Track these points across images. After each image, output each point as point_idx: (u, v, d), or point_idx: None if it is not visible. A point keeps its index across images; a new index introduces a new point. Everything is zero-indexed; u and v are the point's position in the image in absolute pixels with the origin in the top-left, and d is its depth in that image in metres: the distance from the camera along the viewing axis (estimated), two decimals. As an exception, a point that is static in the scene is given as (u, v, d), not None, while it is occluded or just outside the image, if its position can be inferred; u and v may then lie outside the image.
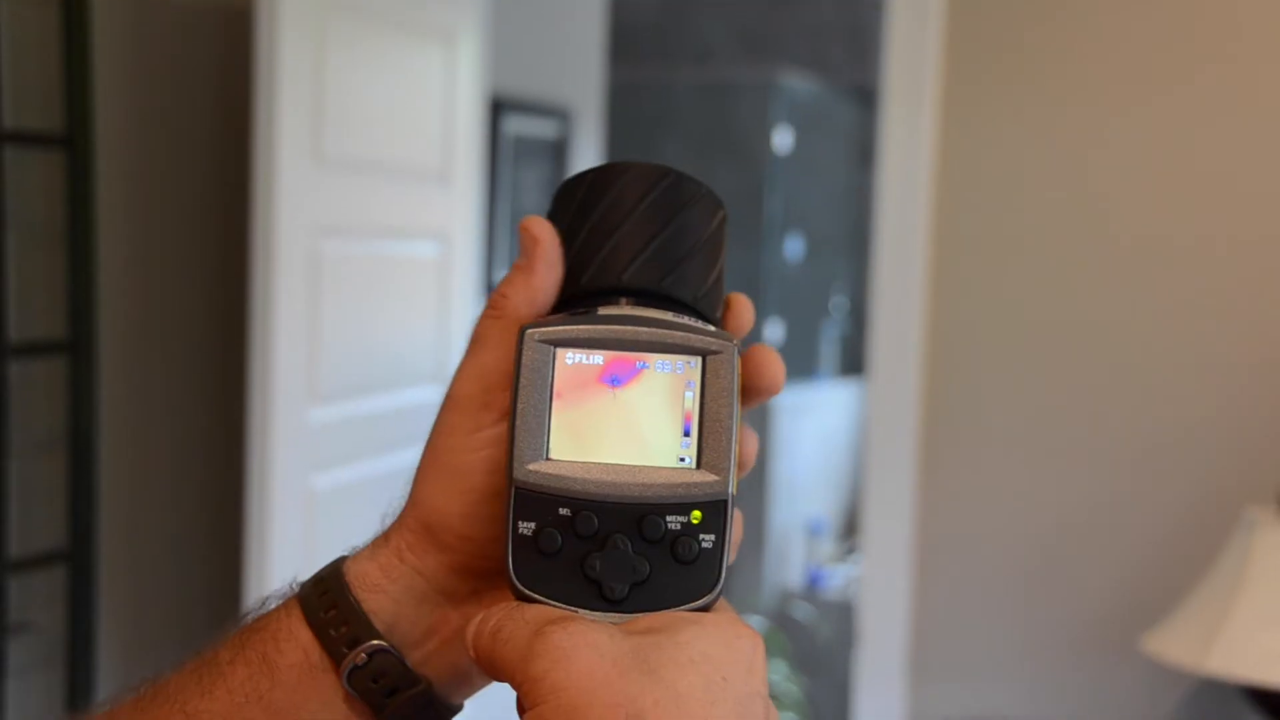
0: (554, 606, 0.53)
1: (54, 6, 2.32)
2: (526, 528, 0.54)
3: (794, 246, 6.12)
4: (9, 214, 2.29)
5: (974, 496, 2.79)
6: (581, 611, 0.53)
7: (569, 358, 0.55)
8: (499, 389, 0.58)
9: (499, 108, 3.63)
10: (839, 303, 6.39)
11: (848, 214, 6.27)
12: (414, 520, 0.60)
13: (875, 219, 2.83)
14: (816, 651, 5.15)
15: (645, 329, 0.55)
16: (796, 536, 5.75)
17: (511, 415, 0.54)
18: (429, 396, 2.69)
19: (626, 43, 5.68)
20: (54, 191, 2.37)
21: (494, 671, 0.52)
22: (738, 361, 0.55)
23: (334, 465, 2.66)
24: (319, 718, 0.59)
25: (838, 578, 5.65)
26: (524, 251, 0.60)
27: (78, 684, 2.38)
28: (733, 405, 0.55)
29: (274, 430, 2.49)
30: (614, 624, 0.52)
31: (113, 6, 2.51)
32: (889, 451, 2.85)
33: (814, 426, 5.87)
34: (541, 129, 3.96)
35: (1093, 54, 2.61)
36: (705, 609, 0.54)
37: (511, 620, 0.52)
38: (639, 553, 0.53)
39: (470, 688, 0.63)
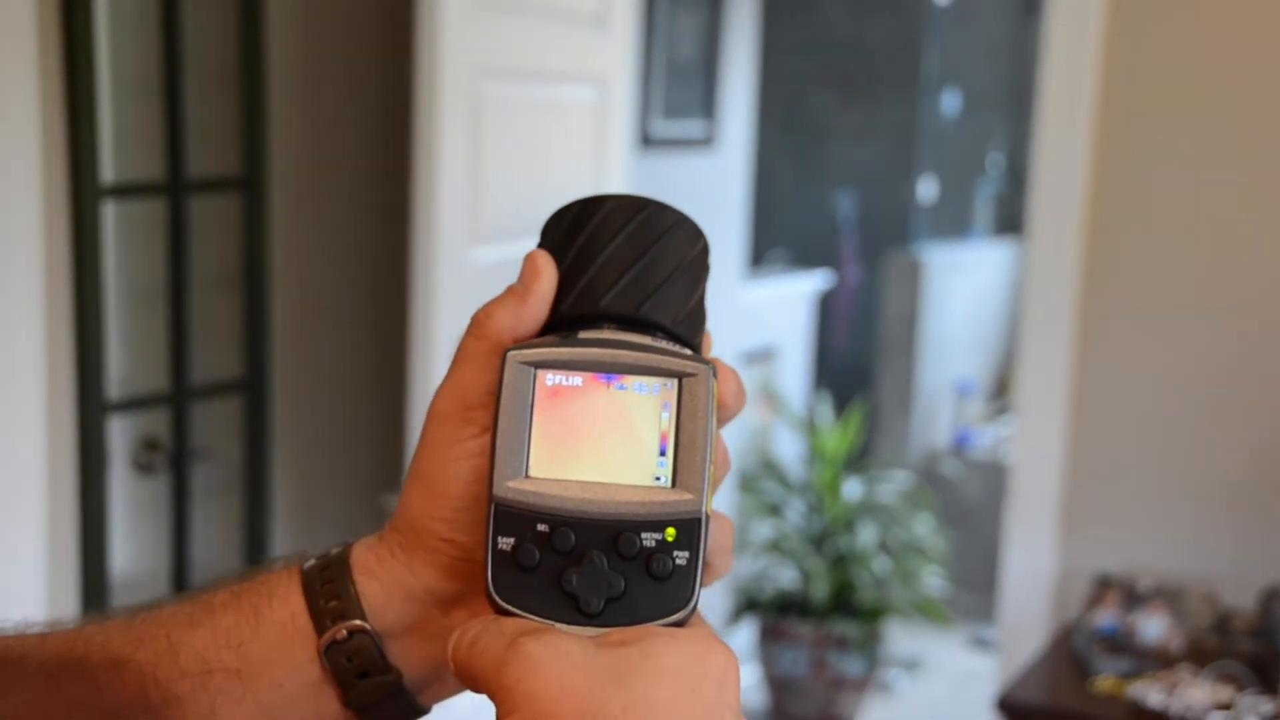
0: (531, 620, 0.54)
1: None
2: (505, 543, 0.55)
3: (950, 102, 5.99)
4: (185, 56, 2.36)
5: (1130, 356, 2.76)
6: (558, 625, 0.54)
7: (549, 379, 0.56)
8: (478, 407, 0.60)
9: (657, -47, 3.60)
10: (995, 160, 6.25)
11: (1009, 68, 6.09)
12: (401, 523, 0.62)
13: (1039, 73, 2.76)
14: (963, 508, 5.16)
15: (624, 352, 0.56)
16: (945, 396, 5.72)
17: (493, 434, 0.56)
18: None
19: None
20: (229, 33, 2.43)
21: (470, 682, 0.54)
22: (714, 384, 0.56)
23: (494, 306, 2.71)
24: (287, 681, 0.62)
25: (986, 438, 5.62)
26: (522, 280, 0.61)
27: (255, 507, 2.50)
28: (708, 426, 0.56)
29: (437, 269, 2.55)
30: (588, 637, 0.53)
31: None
32: (1046, 311, 2.82)
33: (965, 286, 5.79)
34: (698, -25, 3.92)
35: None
36: (680, 624, 0.55)
37: (488, 631, 0.54)
38: (614, 568, 0.55)
39: (442, 691, 0.65)
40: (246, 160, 2.42)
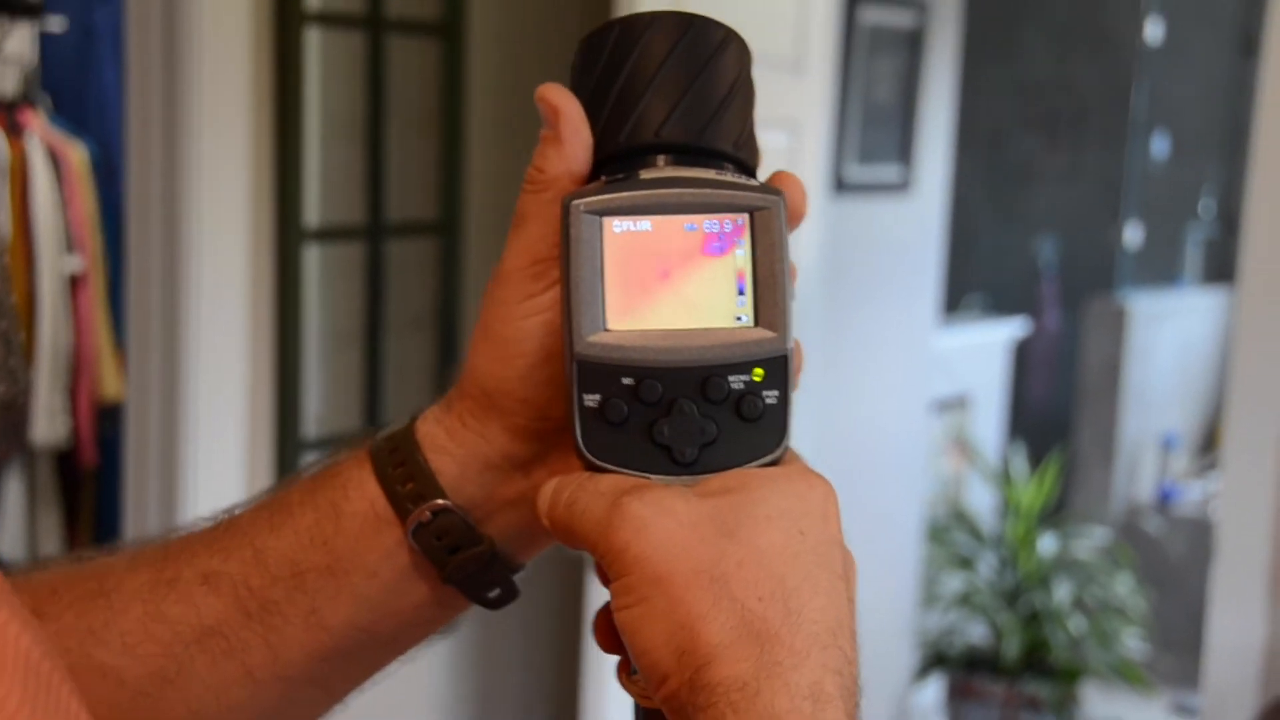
0: (626, 474, 0.53)
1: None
2: (592, 400, 0.54)
3: (1160, 145, 5.81)
4: (391, 102, 2.42)
5: (1355, 411, 2.61)
6: (653, 477, 0.53)
7: (617, 225, 0.54)
8: (546, 260, 0.58)
9: (855, -3, 3.57)
10: (1206, 205, 6.03)
11: (1221, 110, 5.88)
12: (472, 387, 0.60)
13: (1255, 115, 2.65)
14: (1167, 567, 4.96)
15: (690, 190, 0.54)
16: (1149, 449, 5.52)
17: (565, 289, 0.54)
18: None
19: (988, -70, 5.47)
20: (431, 78, 2.48)
21: (572, 542, 0.53)
22: (784, 213, 0.54)
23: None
24: (380, 568, 0.61)
25: (1192, 493, 5.40)
26: (547, 122, 0.58)
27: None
28: (784, 260, 0.54)
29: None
30: (687, 486, 0.52)
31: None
32: (1258, 361, 2.70)
33: (1173, 335, 5.59)
34: (898, 19, 3.87)
35: None
36: (774, 464, 0.54)
37: (585, 492, 0.53)
38: (705, 414, 0.53)
39: (535, 548, 0.63)
40: (444, 205, 2.47)
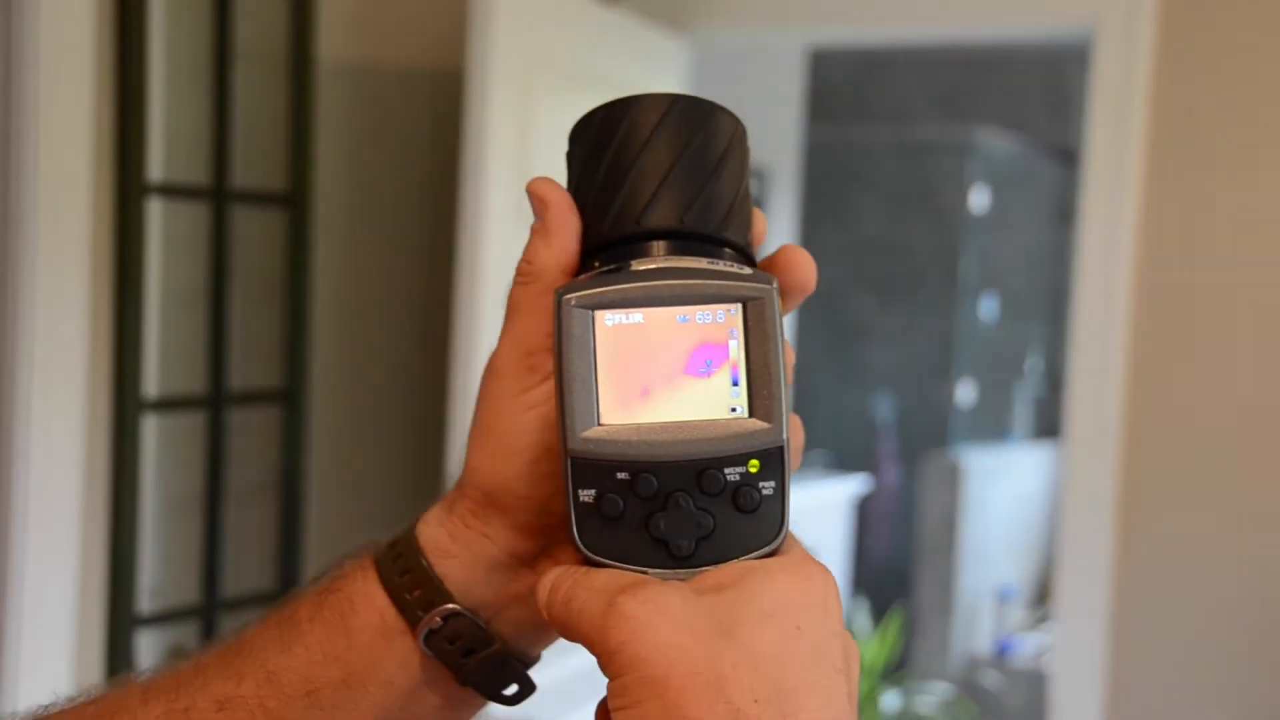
0: (623, 569, 0.53)
1: (283, 73, 2.45)
2: (587, 495, 0.53)
3: (988, 307, 6.04)
4: (235, 271, 2.41)
5: (1173, 565, 2.71)
6: (650, 571, 0.53)
7: (609, 319, 0.53)
8: (539, 352, 0.58)
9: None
10: (1034, 364, 6.26)
11: (1045, 274, 6.15)
12: (472, 488, 0.60)
13: (1075, 281, 2.79)
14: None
15: (681, 281, 0.54)
16: (986, 603, 5.63)
17: (558, 384, 0.53)
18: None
19: (824, 101, 5.71)
20: (275, 248, 2.49)
21: (570, 636, 0.53)
22: (778, 302, 0.54)
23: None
24: (396, 677, 0.61)
25: (1028, 646, 5.51)
26: (536, 214, 0.59)
27: None
28: (778, 349, 0.54)
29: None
30: (684, 581, 0.52)
31: (336, 72, 2.64)
32: (1086, 517, 2.79)
33: (1005, 490, 5.75)
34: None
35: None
36: (773, 554, 0.54)
37: (582, 588, 0.52)
38: (701, 507, 0.53)
39: (547, 639, 0.63)
40: (288, 373, 2.46)
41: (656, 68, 2.98)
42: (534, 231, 0.59)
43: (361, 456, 2.86)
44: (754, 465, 0.53)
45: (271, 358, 2.49)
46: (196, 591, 2.43)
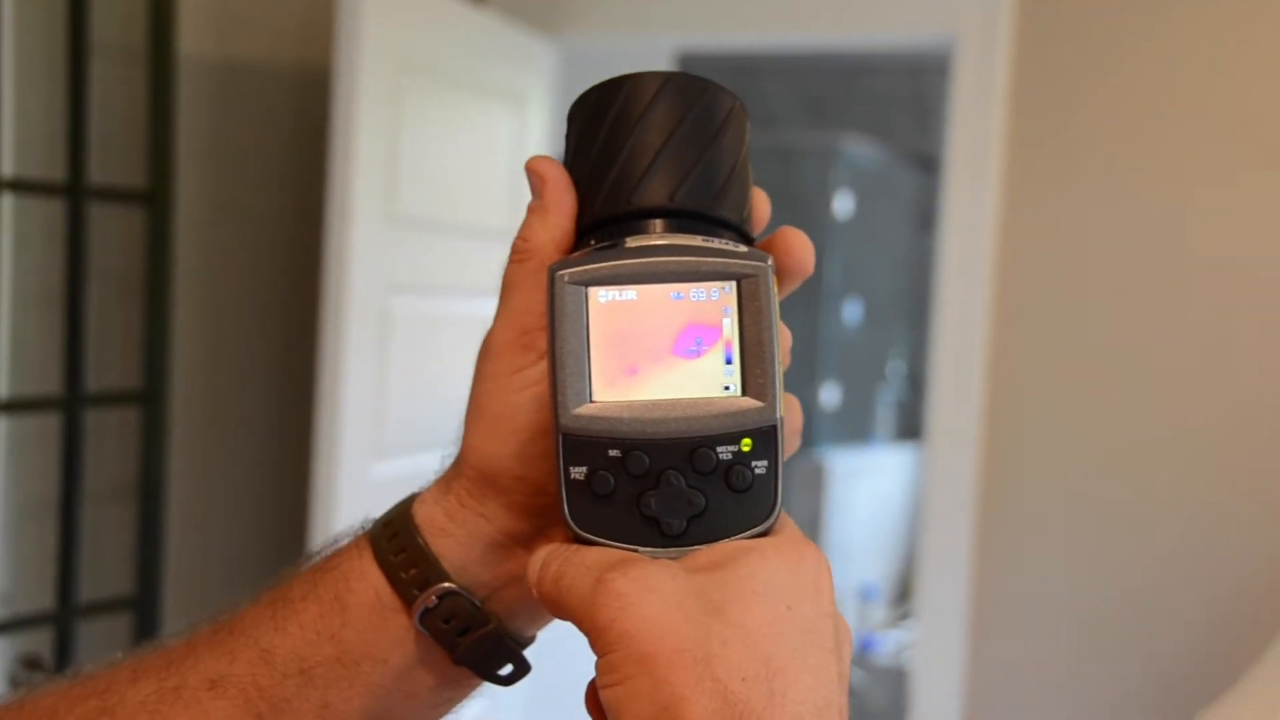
0: (613, 547, 0.53)
1: (141, 67, 2.39)
2: (578, 472, 0.53)
3: (852, 311, 6.13)
4: (92, 270, 2.35)
5: (1031, 564, 2.78)
6: (641, 550, 0.52)
7: (602, 296, 0.53)
8: (535, 330, 0.58)
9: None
10: (896, 368, 6.38)
11: (907, 280, 6.27)
12: (468, 468, 0.60)
13: (936, 286, 2.84)
14: (867, 716, 5.11)
15: (674, 259, 0.53)
16: (849, 601, 5.72)
17: (551, 361, 0.53)
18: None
19: (690, 106, 5.72)
20: (134, 246, 2.43)
21: (560, 614, 0.53)
22: (773, 280, 0.54)
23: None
24: (390, 656, 0.60)
25: (889, 643, 5.60)
26: (535, 191, 0.59)
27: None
28: (772, 328, 0.53)
29: (338, 483, 2.52)
30: (674, 560, 0.51)
31: (197, 68, 2.59)
32: (945, 518, 2.85)
33: (868, 491, 5.85)
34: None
35: (1158, 125, 2.63)
36: (765, 534, 0.53)
37: (572, 566, 0.52)
38: (693, 486, 0.53)
39: (543, 620, 0.63)
40: (147, 373, 2.40)
41: (526, 69, 2.98)
42: (530, 209, 0.59)
43: (223, 458, 2.80)
44: (746, 444, 0.53)
45: (130, 358, 2.44)
46: (50, 598, 2.36)
